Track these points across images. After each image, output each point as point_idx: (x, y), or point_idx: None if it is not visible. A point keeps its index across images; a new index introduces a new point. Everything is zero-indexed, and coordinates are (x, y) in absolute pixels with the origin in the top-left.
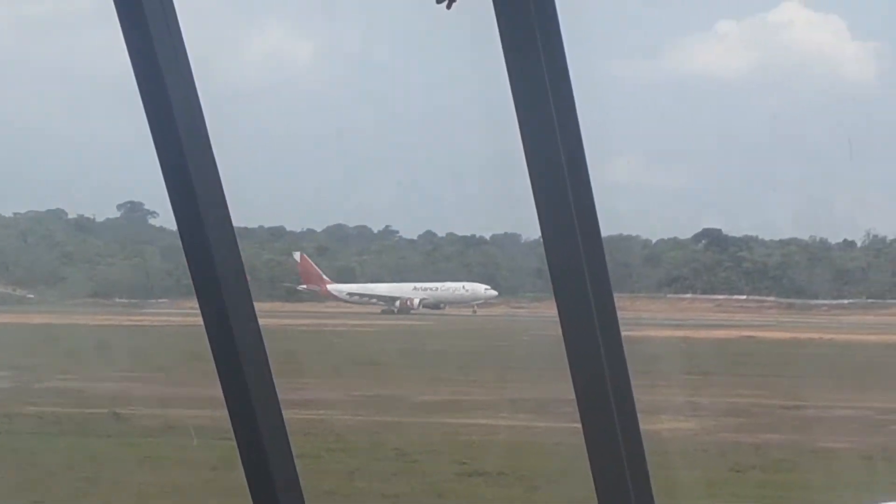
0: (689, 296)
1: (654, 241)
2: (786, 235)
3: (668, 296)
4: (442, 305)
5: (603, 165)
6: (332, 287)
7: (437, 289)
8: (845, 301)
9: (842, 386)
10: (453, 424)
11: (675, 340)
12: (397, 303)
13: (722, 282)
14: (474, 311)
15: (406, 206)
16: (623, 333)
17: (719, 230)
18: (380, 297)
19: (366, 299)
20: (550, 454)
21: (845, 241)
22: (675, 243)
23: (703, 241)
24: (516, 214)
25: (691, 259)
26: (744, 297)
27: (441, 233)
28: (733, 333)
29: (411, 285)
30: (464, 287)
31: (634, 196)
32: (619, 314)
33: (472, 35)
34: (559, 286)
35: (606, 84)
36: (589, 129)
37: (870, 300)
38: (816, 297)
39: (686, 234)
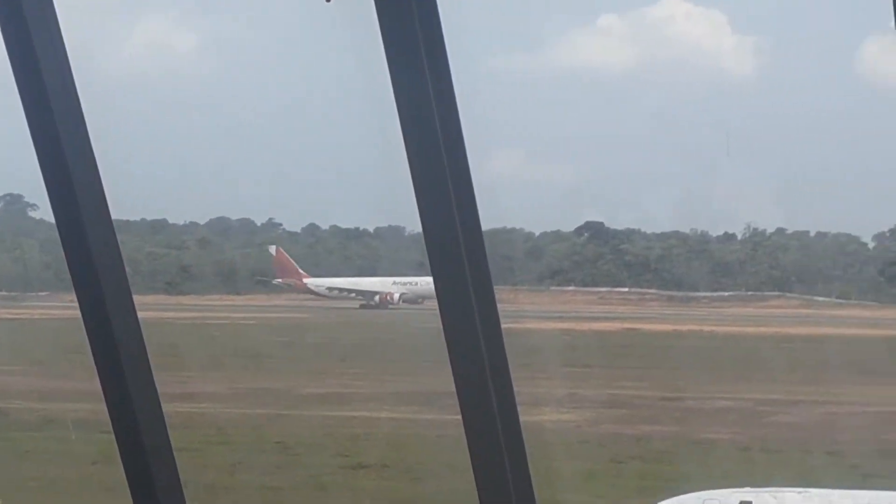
0: (571, 288)
1: (536, 233)
2: (667, 228)
3: (551, 288)
4: (420, 300)
5: (485, 159)
6: (310, 281)
7: (417, 283)
8: (726, 293)
9: (722, 378)
10: (336, 417)
11: (557, 333)
12: (377, 297)
13: (604, 274)
14: None
15: (289, 199)
16: (505, 326)
17: (601, 223)
18: (359, 292)
19: (345, 294)
20: (434, 446)
21: (726, 233)
22: (557, 236)
23: (586, 234)
24: (400, 207)
25: (574, 252)
26: (626, 289)
27: (324, 225)
28: (615, 326)
29: (391, 280)
30: None
31: (517, 189)
32: (501, 307)
33: (354, 28)
34: (439, 279)
35: (488, 78)
36: (470, 123)
37: (749, 292)
38: (697, 290)
39: (568, 227)
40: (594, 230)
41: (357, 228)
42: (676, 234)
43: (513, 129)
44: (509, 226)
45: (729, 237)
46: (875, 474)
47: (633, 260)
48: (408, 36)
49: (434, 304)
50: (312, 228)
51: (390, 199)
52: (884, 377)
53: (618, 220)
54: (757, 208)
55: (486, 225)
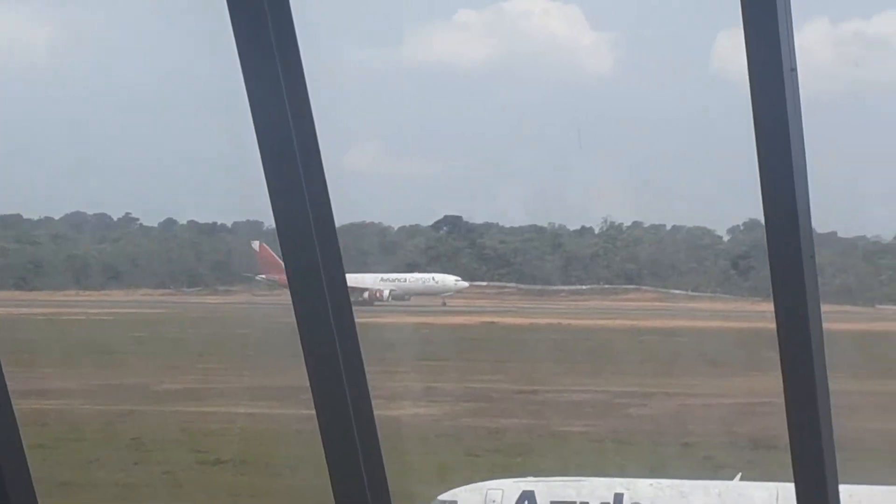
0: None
1: (395, 228)
2: (525, 223)
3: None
4: (407, 297)
5: (341, 154)
6: None
7: (405, 280)
8: (583, 287)
9: (578, 370)
10: (192, 413)
11: (415, 327)
12: (366, 294)
13: (462, 268)
14: (444, 304)
15: (146, 194)
16: (362, 321)
17: (460, 217)
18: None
19: None
20: (291, 441)
21: (582, 227)
22: (415, 230)
23: (444, 229)
24: (257, 203)
25: (432, 246)
26: (484, 283)
27: (182, 220)
28: (474, 319)
29: (378, 276)
30: (433, 278)
31: (374, 184)
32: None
33: (208, 23)
34: (293, 273)
35: (344, 73)
36: (326, 118)
37: (606, 286)
38: (554, 284)
39: (427, 220)
40: (452, 224)
41: (214, 223)
42: (534, 229)
43: (369, 124)
44: (368, 220)
45: (585, 231)
46: (727, 465)
47: (491, 254)
48: (259, 31)
49: (437, 301)
50: (170, 223)
51: (247, 195)
52: (736, 369)
53: (476, 215)
54: (613, 203)
55: (342, 220)
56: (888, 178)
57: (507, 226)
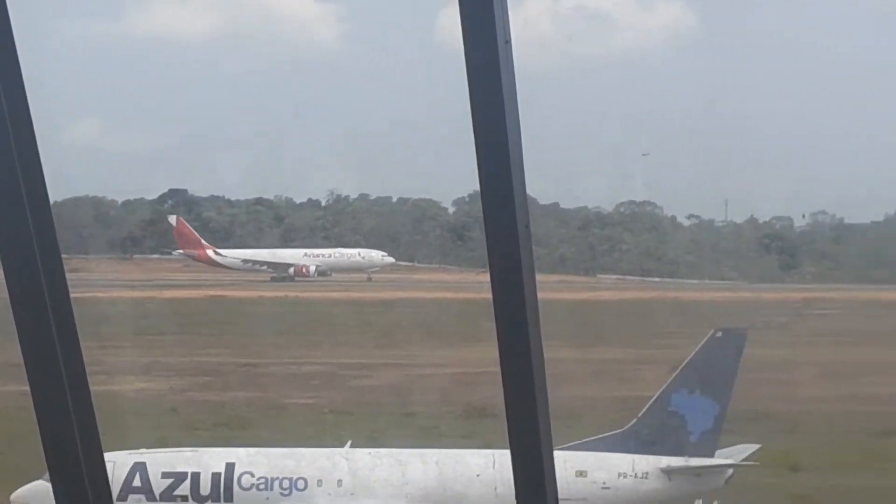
0: (155, 256)
1: (119, 202)
2: (251, 195)
3: (135, 257)
4: (330, 272)
5: (59, 129)
6: (217, 252)
7: (330, 255)
8: None
9: (304, 343)
10: None
11: (141, 301)
12: (291, 270)
13: (172, 244)
14: (369, 278)
15: None
16: (85, 295)
17: (185, 191)
18: (272, 265)
19: (257, 266)
20: (14, 419)
21: (309, 200)
22: (140, 204)
23: (169, 202)
24: None
25: (157, 220)
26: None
27: None
28: (199, 293)
29: (301, 251)
30: (359, 254)
31: (95, 159)
32: (79, 276)
33: None
34: (4, 248)
35: (61, 46)
36: (42, 93)
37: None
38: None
39: (151, 195)
40: (178, 198)
41: None
42: (259, 201)
43: (89, 99)
44: (91, 194)
45: (313, 203)
46: (448, 434)
47: (216, 227)
48: None
49: (341, 276)
50: None
51: None
52: (458, 340)
53: (202, 188)
54: (338, 175)
55: (61, 195)
56: (607, 149)
57: (233, 198)
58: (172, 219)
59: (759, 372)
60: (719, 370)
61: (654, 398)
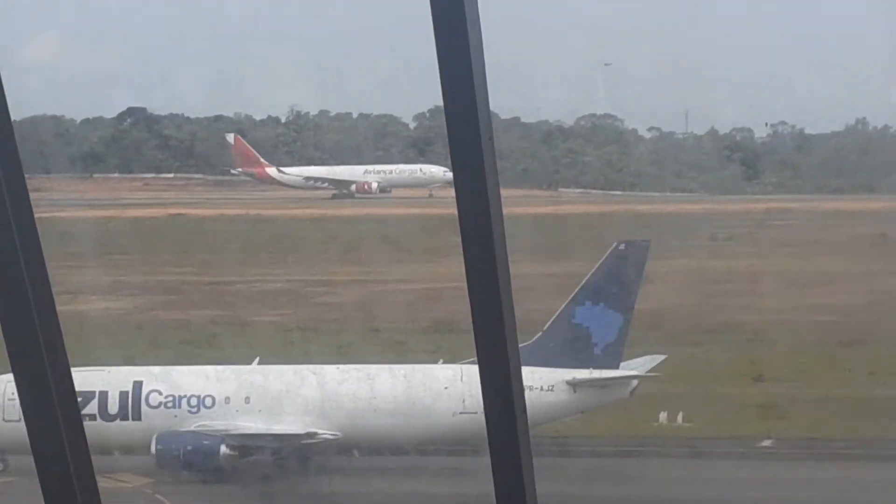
0: (115, 175)
1: (77, 120)
2: (210, 113)
3: (95, 176)
4: (390, 189)
5: (16, 46)
6: (274, 171)
7: (391, 171)
8: None
9: (269, 261)
10: None
11: (102, 220)
12: (353, 187)
13: (149, 161)
14: (430, 195)
15: None
16: (47, 215)
17: (144, 109)
18: (333, 182)
19: (319, 183)
20: None
21: (269, 116)
22: (100, 123)
23: (129, 120)
24: None
25: (117, 138)
26: (171, 175)
27: None
28: (161, 212)
29: (362, 168)
30: (420, 170)
31: (52, 76)
32: (41, 195)
33: None
34: None
35: None
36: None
37: None
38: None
39: (111, 112)
40: (137, 116)
41: None
42: (221, 119)
43: (45, 17)
44: (48, 113)
45: (273, 120)
46: (415, 349)
47: (177, 145)
48: None
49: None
50: None
51: None
52: (420, 255)
53: (161, 106)
54: (299, 91)
55: (20, 114)
56: (567, 60)
57: (192, 116)
58: (230, 137)
59: (722, 283)
60: (623, 282)
61: (559, 312)
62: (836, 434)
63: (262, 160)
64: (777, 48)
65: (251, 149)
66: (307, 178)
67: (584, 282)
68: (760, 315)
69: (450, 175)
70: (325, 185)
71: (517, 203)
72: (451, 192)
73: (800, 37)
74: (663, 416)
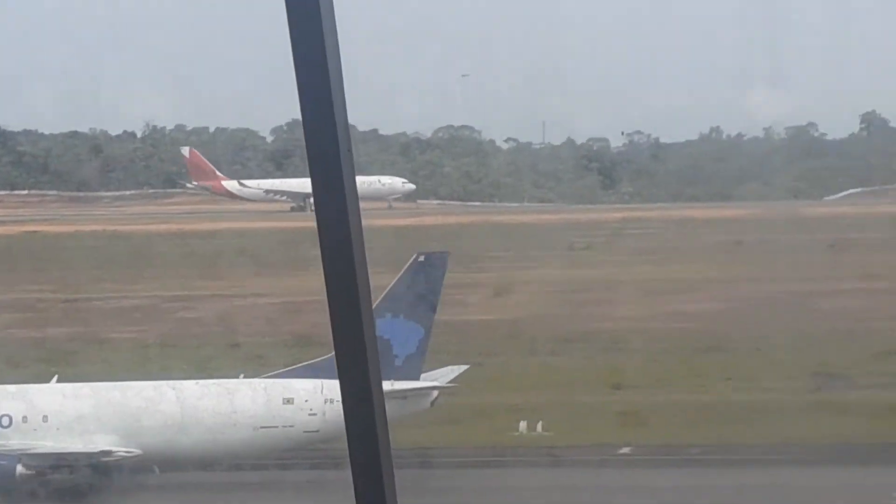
0: None
1: None
2: (65, 128)
3: None
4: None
5: None
6: (231, 184)
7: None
8: (127, 192)
9: (126, 277)
10: None
11: None
12: (311, 199)
13: (3, 177)
14: (389, 206)
15: None
16: None
17: None
18: (291, 194)
19: (277, 196)
20: None
21: (125, 132)
22: None
23: None
24: None
25: None
26: (25, 192)
27: None
28: (15, 229)
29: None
30: (380, 181)
31: None
32: None
33: None
34: None
35: None
36: None
37: (151, 190)
38: (97, 190)
39: None
40: None
41: None
42: (76, 135)
43: None
44: None
45: (129, 135)
46: (276, 364)
47: (31, 161)
48: None
49: (382, 204)
50: None
51: None
52: (283, 269)
53: (14, 122)
54: (155, 106)
55: None
56: (424, 72)
57: (48, 132)
58: (185, 150)
59: (580, 292)
60: (423, 294)
61: None
62: (694, 440)
63: (217, 173)
64: (632, 58)
65: (207, 162)
66: (267, 192)
67: (384, 294)
68: (619, 323)
69: (409, 186)
70: (284, 198)
71: (374, 216)
72: (411, 205)
73: (653, 46)
74: (523, 425)
